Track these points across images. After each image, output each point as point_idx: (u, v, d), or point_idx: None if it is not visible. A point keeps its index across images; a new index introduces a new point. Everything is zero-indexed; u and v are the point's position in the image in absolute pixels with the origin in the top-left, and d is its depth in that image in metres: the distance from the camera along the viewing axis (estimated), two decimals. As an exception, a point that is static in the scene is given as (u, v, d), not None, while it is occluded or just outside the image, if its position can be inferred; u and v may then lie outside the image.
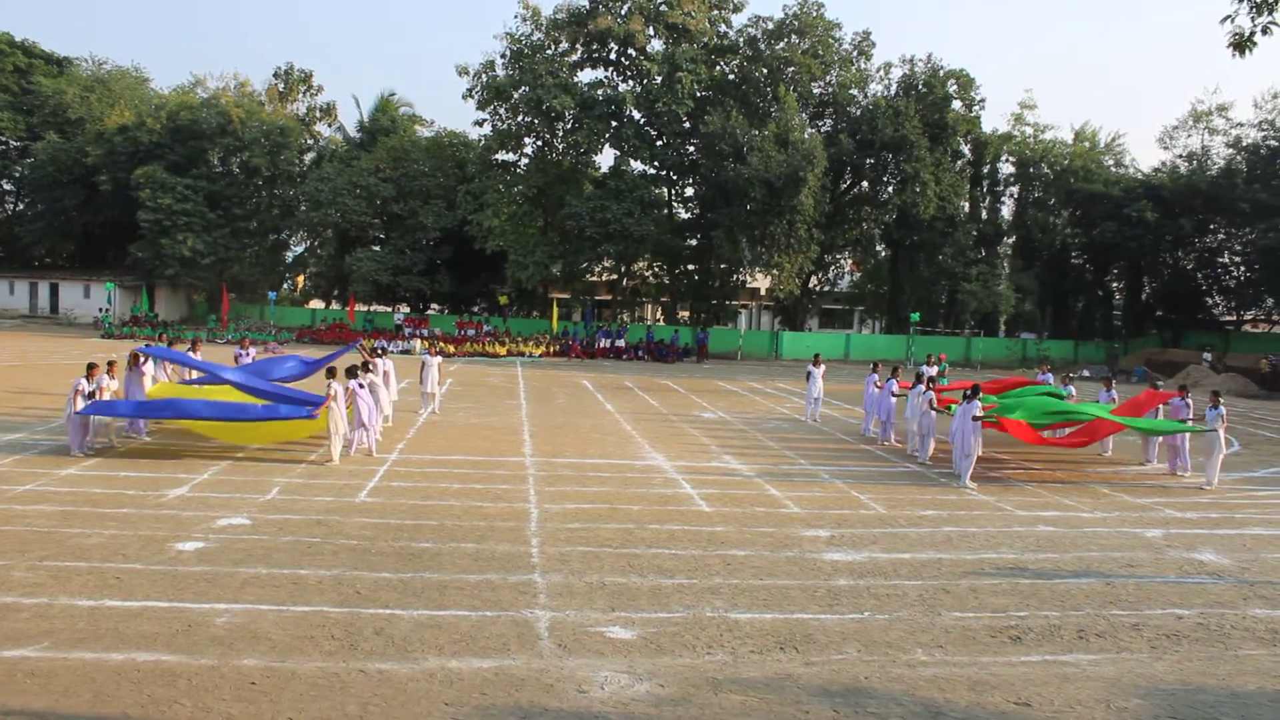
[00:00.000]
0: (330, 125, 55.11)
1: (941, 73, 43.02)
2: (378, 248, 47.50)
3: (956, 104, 43.34)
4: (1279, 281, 41.93)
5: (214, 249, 45.56)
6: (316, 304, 56.39)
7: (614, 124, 42.39)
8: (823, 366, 21.41)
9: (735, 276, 45.59)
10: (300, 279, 59.65)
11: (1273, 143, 42.40)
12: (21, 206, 56.49)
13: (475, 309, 50.39)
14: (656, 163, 44.19)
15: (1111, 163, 48.11)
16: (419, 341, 38.79)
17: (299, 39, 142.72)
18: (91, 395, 13.64)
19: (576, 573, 8.83)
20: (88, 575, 8.16)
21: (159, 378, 16.74)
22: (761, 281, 47.74)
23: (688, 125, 43.21)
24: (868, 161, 42.86)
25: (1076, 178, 45.47)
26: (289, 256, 55.71)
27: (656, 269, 47.69)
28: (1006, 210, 49.85)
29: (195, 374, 17.15)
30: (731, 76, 44.22)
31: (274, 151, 47.33)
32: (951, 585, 8.93)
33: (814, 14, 42.07)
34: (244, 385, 15.10)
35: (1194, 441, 15.86)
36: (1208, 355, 38.63)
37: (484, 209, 42.57)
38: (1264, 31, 8.55)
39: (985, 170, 47.29)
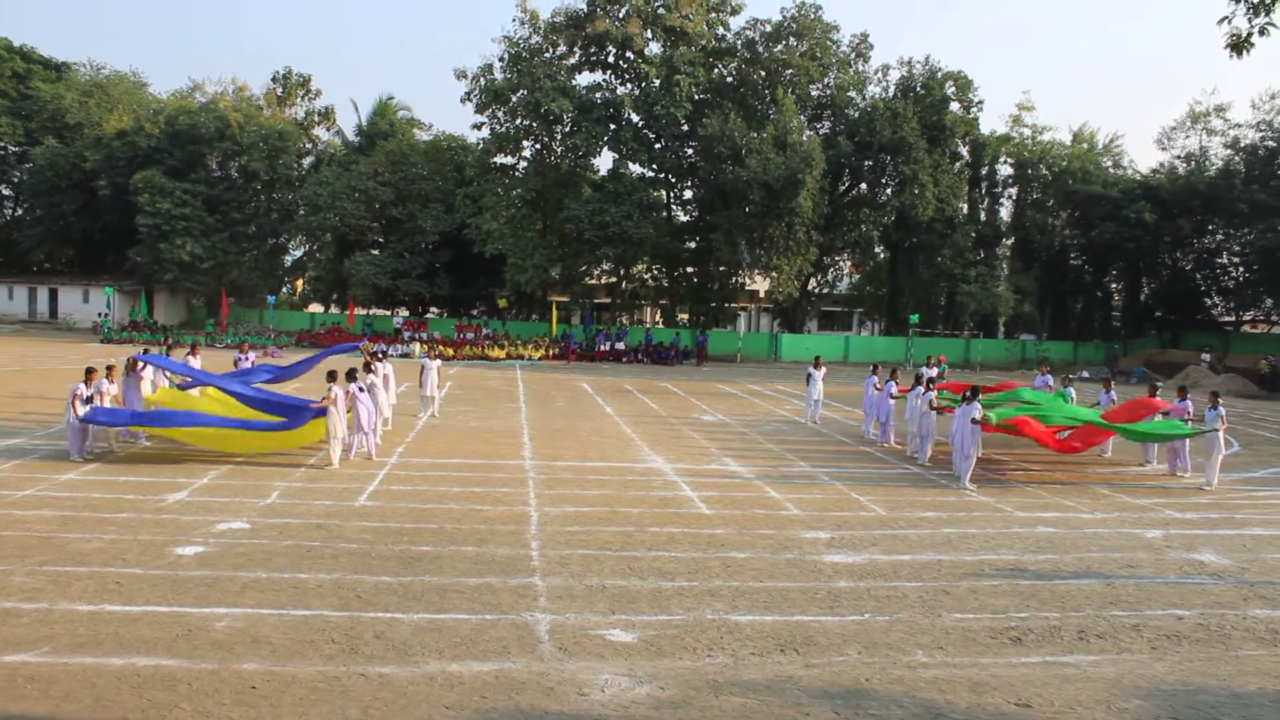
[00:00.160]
0: (329, 129, 55.33)
1: (939, 74, 43.06)
2: (376, 252, 47.55)
3: (955, 105, 43.41)
4: (1278, 282, 41.98)
5: (213, 253, 45.50)
6: (315, 308, 56.43)
7: (612, 127, 42.42)
8: (823, 369, 21.35)
9: (734, 279, 45.56)
10: (299, 283, 59.64)
11: (1271, 143, 42.46)
12: (20, 211, 56.50)
13: (474, 312, 50.35)
14: (655, 165, 44.25)
15: (1110, 164, 48.13)
16: (418, 345, 38.79)
17: (297, 43, 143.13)
18: (90, 400, 13.62)
19: (577, 576, 8.83)
20: (88, 580, 8.16)
21: (159, 383, 16.70)
22: (760, 284, 47.78)
23: (686, 128, 43.25)
24: (866, 163, 42.89)
25: (1075, 179, 45.48)
26: (288, 261, 55.66)
27: (655, 272, 47.69)
28: (1005, 212, 49.99)
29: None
30: (729, 79, 44.24)
31: (272, 156, 47.28)
32: (952, 587, 8.93)
33: (812, 16, 42.13)
34: (243, 395, 15.05)
35: (1194, 442, 15.82)
36: (1207, 356, 38.62)
37: (483, 212, 42.64)
38: (1261, 32, 8.55)
39: (984, 172, 47.32)
